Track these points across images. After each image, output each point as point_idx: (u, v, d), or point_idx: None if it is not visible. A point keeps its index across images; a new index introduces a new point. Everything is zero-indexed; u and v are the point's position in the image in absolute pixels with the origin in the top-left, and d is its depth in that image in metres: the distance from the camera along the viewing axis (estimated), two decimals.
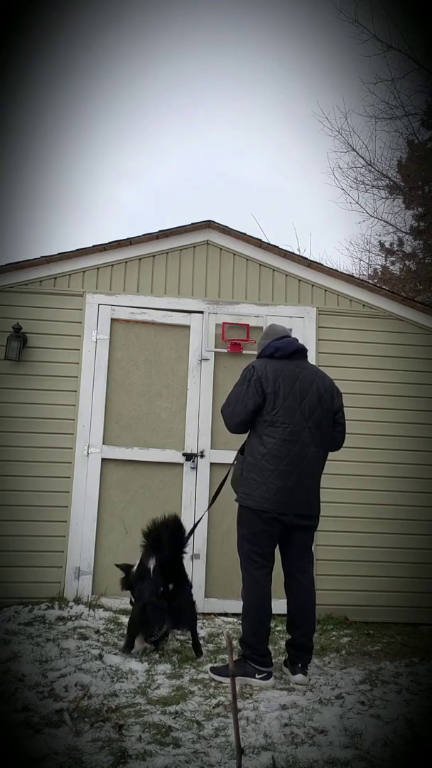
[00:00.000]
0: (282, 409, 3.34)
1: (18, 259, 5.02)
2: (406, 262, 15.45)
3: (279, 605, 4.98)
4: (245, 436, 3.49)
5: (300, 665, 3.37)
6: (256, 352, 4.98)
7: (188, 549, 3.90)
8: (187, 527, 4.66)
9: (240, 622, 4.52)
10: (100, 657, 3.51)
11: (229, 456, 4.85)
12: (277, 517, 3.34)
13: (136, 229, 28.66)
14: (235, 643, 3.92)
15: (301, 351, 3.54)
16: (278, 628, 4.42)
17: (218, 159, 32.85)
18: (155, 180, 33.19)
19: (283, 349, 3.48)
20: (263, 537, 3.37)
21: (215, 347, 5.03)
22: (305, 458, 3.37)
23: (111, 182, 34.51)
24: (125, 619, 4.34)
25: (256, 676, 3.27)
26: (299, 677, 3.33)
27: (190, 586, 3.85)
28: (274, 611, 4.71)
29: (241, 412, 3.40)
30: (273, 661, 3.69)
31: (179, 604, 3.67)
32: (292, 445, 3.34)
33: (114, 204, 32.54)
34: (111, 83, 34.06)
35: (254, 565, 3.38)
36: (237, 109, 33.19)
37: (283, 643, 4.07)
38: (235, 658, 3.30)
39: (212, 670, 3.37)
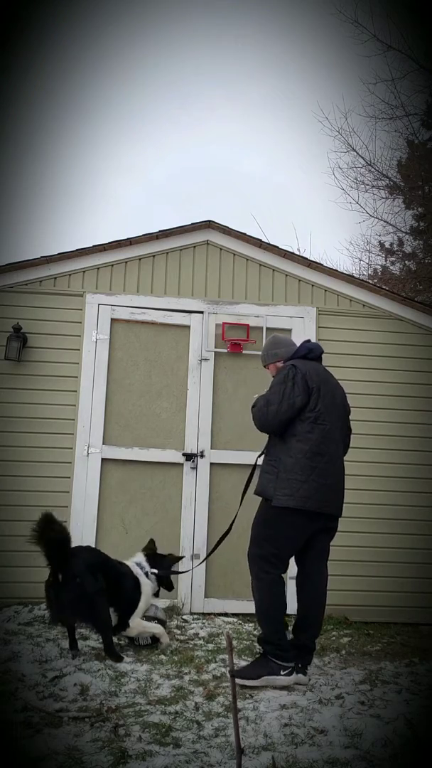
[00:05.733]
0: (323, 407, 3.35)
1: (18, 258, 5.03)
2: (406, 262, 15.46)
3: None
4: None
5: (300, 665, 3.36)
6: (256, 352, 5.01)
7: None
8: (182, 526, 4.67)
9: (240, 622, 4.53)
10: (101, 657, 3.52)
11: (229, 456, 4.87)
12: (314, 518, 3.30)
13: (135, 225, 28.73)
14: (235, 643, 3.91)
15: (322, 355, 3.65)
16: None
17: (218, 158, 32.87)
18: (154, 177, 33.24)
19: (314, 351, 3.55)
20: (290, 540, 3.32)
21: (215, 347, 5.03)
22: (339, 458, 3.40)
23: (111, 178, 34.56)
24: None
25: (281, 672, 3.19)
26: (299, 677, 3.33)
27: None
28: None
29: (287, 410, 3.32)
30: None
31: None
32: (329, 444, 3.34)
33: (113, 200, 32.59)
34: (110, 80, 34.10)
35: (271, 566, 3.31)
36: (236, 108, 33.22)
37: None
38: (252, 658, 3.28)
39: (235, 674, 3.26)
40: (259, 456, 3.93)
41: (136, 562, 3.87)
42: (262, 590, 3.32)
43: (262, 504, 3.41)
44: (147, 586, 3.78)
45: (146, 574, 3.81)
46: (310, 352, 3.54)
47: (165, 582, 3.98)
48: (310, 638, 3.41)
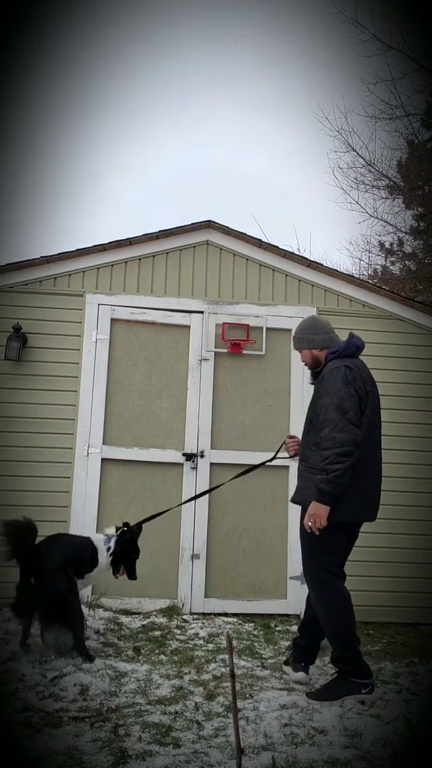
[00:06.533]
0: (371, 410, 3.15)
1: (18, 258, 5.04)
2: (406, 262, 15.47)
3: (280, 605, 4.99)
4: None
5: (303, 664, 3.33)
6: (256, 352, 5.01)
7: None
8: (182, 526, 4.69)
9: (240, 622, 4.53)
10: (100, 657, 3.52)
11: (229, 456, 4.87)
12: (358, 525, 3.22)
13: (135, 225, 28.74)
14: (235, 643, 3.91)
15: None
16: (278, 628, 4.42)
17: (218, 158, 32.87)
18: (154, 177, 33.25)
19: (361, 349, 3.31)
20: (342, 547, 3.21)
21: (215, 347, 5.03)
22: (380, 461, 3.25)
23: (111, 178, 34.58)
24: (125, 619, 4.36)
25: (363, 690, 3.03)
26: (301, 675, 3.30)
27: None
28: (273, 611, 4.74)
29: (359, 413, 3.09)
30: (272, 662, 3.69)
31: None
32: (374, 449, 3.19)
33: (113, 200, 32.60)
34: (110, 80, 34.11)
35: (333, 577, 3.14)
36: (236, 108, 33.22)
37: (283, 643, 4.07)
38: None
39: (309, 696, 3.10)
40: (271, 460, 3.79)
41: (106, 533, 3.87)
42: (327, 603, 3.14)
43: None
44: (103, 556, 3.77)
45: (108, 549, 3.80)
46: (357, 350, 3.28)
47: (123, 558, 3.84)
48: (318, 639, 3.32)
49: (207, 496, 4.82)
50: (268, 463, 3.87)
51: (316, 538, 3.10)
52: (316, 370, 3.34)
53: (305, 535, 3.19)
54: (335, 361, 3.20)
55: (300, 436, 3.47)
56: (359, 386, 3.11)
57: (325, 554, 3.14)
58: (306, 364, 3.43)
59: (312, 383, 3.41)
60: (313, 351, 3.36)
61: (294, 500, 3.31)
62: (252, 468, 3.97)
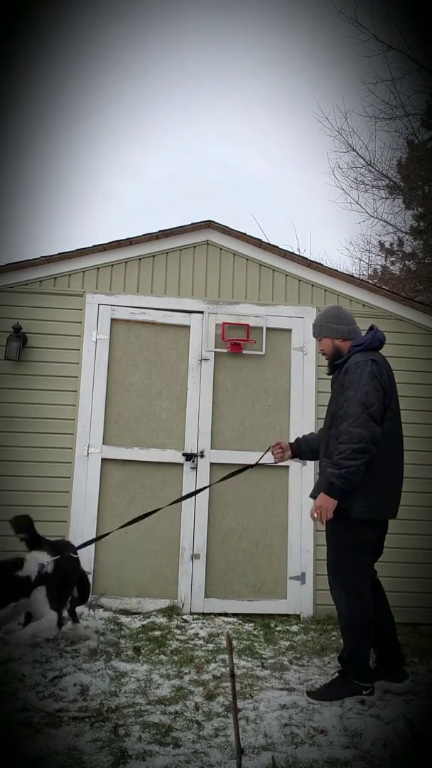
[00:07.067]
0: (394, 405, 3.10)
1: (18, 258, 5.04)
2: (406, 262, 15.47)
3: (280, 605, 4.98)
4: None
5: (401, 671, 3.18)
6: (256, 352, 5.01)
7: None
8: (182, 526, 4.69)
9: (240, 622, 4.53)
10: (100, 656, 3.52)
11: (229, 456, 4.87)
12: (387, 522, 3.17)
13: (135, 224, 28.75)
14: (235, 643, 3.91)
15: None
16: (278, 628, 4.42)
17: (218, 158, 32.89)
18: (155, 176, 33.28)
19: (384, 342, 3.21)
20: (375, 546, 3.13)
21: (215, 347, 5.03)
22: (403, 458, 3.20)
23: (111, 178, 34.61)
24: (125, 619, 4.36)
25: (364, 692, 3.01)
26: (407, 683, 3.15)
27: None
28: (273, 611, 4.74)
29: (382, 409, 3.02)
30: (272, 662, 3.69)
31: None
32: (399, 446, 3.15)
33: (113, 199, 32.62)
34: (111, 79, 34.14)
35: (362, 577, 3.08)
36: (236, 108, 33.22)
37: (283, 643, 4.07)
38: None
39: (309, 695, 3.07)
40: (255, 464, 3.75)
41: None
42: (351, 604, 3.07)
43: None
44: None
45: None
46: (381, 345, 3.19)
47: None
48: (392, 638, 3.20)
49: (207, 495, 4.83)
50: (253, 467, 3.84)
51: (343, 536, 3.05)
52: (336, 363, 3.25)
53: (332, 534, 3.13)
54: (360, 354, 3.11)
55: (286, 441, 3.51)
56: (385, 381, 3.04)
57: (358, 553, 3.07)
58: (324, 354, 3.32)
59: (329, 374, 3.32)
60: (335, 340, 3.24)
61: (313, 496, 3.21)
62: (239, 470, 3.81)
